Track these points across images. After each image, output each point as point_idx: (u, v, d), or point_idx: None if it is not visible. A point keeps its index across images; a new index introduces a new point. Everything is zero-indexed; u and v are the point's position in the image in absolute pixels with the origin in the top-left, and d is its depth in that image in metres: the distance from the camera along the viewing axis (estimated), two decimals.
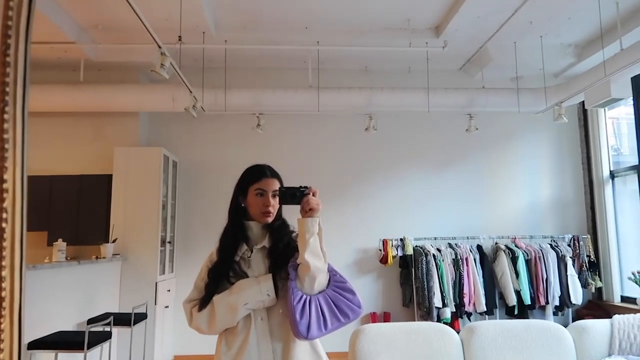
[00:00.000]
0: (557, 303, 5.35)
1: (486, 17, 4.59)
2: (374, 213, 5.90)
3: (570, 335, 2.56)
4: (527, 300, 5.28)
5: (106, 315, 3.93)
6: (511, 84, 5.75)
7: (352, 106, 5.41)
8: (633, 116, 4.77)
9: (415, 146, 6.05)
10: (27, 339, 3.17)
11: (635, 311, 3.88)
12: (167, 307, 5.25)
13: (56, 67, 5.43)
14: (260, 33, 4.97)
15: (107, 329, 3.61)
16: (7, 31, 0.49)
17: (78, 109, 5.36)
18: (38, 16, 4.09)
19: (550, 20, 4.70)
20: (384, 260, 5.56)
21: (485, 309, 5.24)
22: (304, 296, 1.47)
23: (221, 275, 1.54)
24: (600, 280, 5.65)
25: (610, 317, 2.73)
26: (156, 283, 4.97)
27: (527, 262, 5.42)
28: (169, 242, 5.41)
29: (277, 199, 1.57)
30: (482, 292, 5.27)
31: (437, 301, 5.15)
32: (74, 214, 5.21)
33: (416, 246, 5.51)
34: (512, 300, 5.27)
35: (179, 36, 4.10)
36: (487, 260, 5.48)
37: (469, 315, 5.32)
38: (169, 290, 5.31)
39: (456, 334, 2.53)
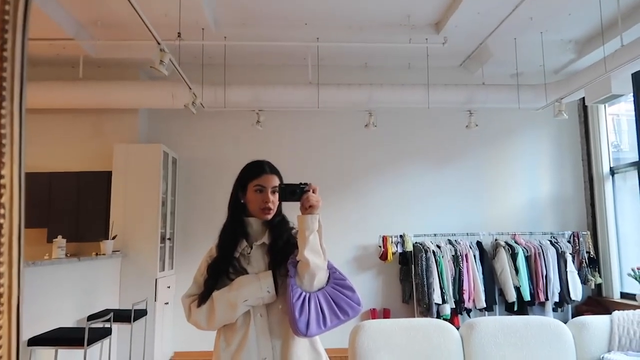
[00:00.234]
0: (556, 299, 5.35)
1: (486, 13, 4.58)
2: (373, 209, 5.90)
3: (570, 332, 2.56)
4: (527, 297, 5.29)
5: (106, 312, 3.93)
6: (511, 81, 5.74)
7: (351, 103, 5.40)
8: (633, 113, 4.77)
9: (415, 142, 6.05)
10: (27, 335, 3.17)
11: (634, 307, 3.89)
12: (167, 303, 5.25)
13: (55, 63, 5.42)
14: (259, 29, 4.95)
15: (107, 325, 3.61)
16: (4, 25, 0.48)
17: (77, 106, 5.35)
18: (36, 12, 4.08)
19: (551, 16, 4.69)
20: (383, 256, 5.56)
21: (484, 305, 5.25)
22: (303, 293, 1.46)
23: (221, 271, 1.53)
24: (600, 276, 5.65)
25: (610, 314, 2.73)
26: (156, 280, 4.97)
27: (527, 258, 5.43)
28: (169, 239, 5.41)
29: (277, 195, 1.56)
30: (481, 288, 5.28)
31: (436, 297, 5.16)
32: (73, 210, 5.21)
33: (416, 243, 5.51)
34: (512, 296, 5.28)
35: (179, 33, 4.09)
36: (486, 257, 5.49)
37: (468, 311, 5.33)
38: (168, 287, 5.32)
39: (456, 330, 2.54)
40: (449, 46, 4.84)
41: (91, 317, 3.97)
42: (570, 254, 5.48)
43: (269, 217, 1.57)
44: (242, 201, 1.60)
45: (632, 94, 4.74)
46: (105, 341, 3.65)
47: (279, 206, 1.60)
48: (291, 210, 1.61)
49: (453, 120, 5.85)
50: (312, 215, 1.47)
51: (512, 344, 2.45)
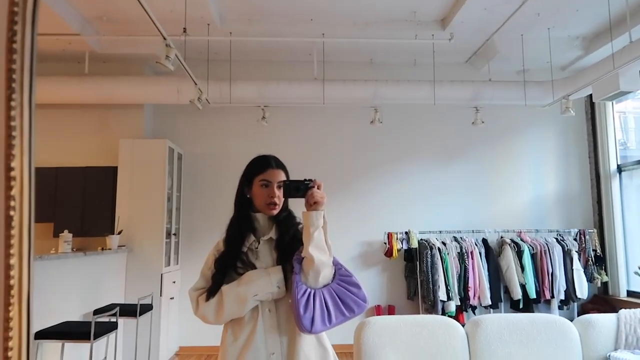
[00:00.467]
0: (562, 297, 5.33)
1: (493, 9, 4.55)
2: (379, 206, 5.89)
3: (576, 330, 2.55)
4: (533, 294, 5.27)
5: (112, 306, 3.95)
6: (518, 77, 5.70)
7: (357, 99, 5.39)
8: None
9: (421, 139, 6.03)
10: (34, 329, 3.20)
11: None
12: (172, 298, 5.28)
13: (61, 59, 5.44)
14: (265, 25, 4.94)
15: (113, 319, 3.63)
16: (14, 17, 0.48)
17: (83, 101, 5.37)
18: (42, 8, 4.09)
19: (558, 12, 4.65)
20: (388, 253, 5.56)
21: (490, 303, 5.24)
22: (308, 290, 1.45)
23: (228, 265, 1.53)
24: (607, 274, 5.63)
25: (616, 312, 2.71)
26: (161, 274, 5.00)
27: (533, 256, 5.41)
28: (174, 234, 5.43)
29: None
30: (487, 285, 5.27)
31: (442, 294, 5.15)
32: (79, 205, 5.24)
33: (421, 239, 5.51)
34: (517, 294, 5.26)
35: (184, 28, 4.09)
36: (492, 254, 5.47)
37: (473, 308, 5.33)
38: (174, 282, 5.34)
39: (461, 327, 2.53)
40: (455, 42, 4.82)
41: (97, 312, 4.00)
42: (576, 251, 5.45)
43: (275, 212, 1.56)
44: (248, 196, 1.59)
45: None
46: (111, 335, 3.67)
47: (285, 201, 1.59)
48: (297, 206, 1.61)
49: (459, 116, 5.82)
50: (316, 211, 1.46)
51: (517, 341, 2.44)
